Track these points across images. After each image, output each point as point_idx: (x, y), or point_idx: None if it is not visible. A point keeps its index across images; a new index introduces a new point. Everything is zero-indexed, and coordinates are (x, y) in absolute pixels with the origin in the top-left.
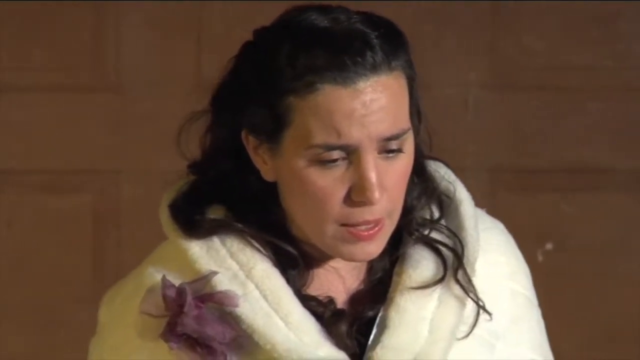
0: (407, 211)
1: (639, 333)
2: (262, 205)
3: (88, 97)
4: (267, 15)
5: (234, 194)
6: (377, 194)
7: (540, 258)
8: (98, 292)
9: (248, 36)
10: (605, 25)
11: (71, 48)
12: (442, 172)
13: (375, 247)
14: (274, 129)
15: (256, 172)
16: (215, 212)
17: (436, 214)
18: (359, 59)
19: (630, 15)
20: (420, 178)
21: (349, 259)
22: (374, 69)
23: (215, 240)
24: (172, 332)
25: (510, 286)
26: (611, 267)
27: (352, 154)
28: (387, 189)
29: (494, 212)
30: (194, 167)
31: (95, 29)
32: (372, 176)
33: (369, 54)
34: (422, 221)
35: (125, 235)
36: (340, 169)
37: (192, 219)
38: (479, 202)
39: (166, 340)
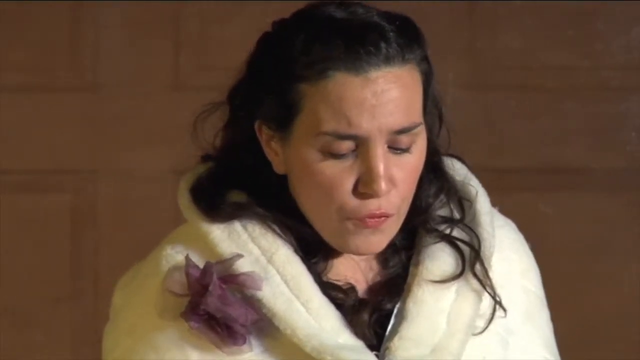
0: (423, 209)
1: (617, 332)
2: (279, 196)
3: (65, 97)
4: (244, 15)
5: (253, 182)
6: (383, 186)
7: None
8: (76, 291)
9: (225, 35)
10: (583, 25)
11: (48, 48)
12: (457, 168)
13: (379, 239)
14: (285, 116)
15: (271, 166)
16: (236, 197)
17: (457, 214)
18: (373, 50)
19: (607, 15)
20: (436, 176)
21: (355, 251)
22: (387, 60)
23: (237, 225)
24: (194, 311)
25: (522, 283)
26: (589, 267)
27: (361, 145)
28: (395, 184)
29: None
30: (209, 159)
31: (72, 28)
32: (380, 168)
33: (383, 45)
34: (441, 220)
35: (102, 234)
36: (348, 160)
37: (213, 203)
38: None
39: (187, 320)
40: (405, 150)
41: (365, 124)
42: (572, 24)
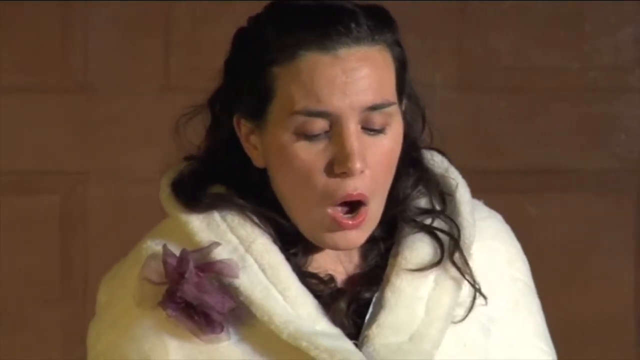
0: (401, 201)
1: (606, 333)
2: (261, 191)
3: (55, 98)
4: (234, 15)
5: (235, 179)
6: (358, 164)
7: None
8: (65, 292)
9: (216, 36)
10: (571, 26)
11: (38, 49)
12: (437, 161)
13: (358, 235)
14: (260, 104)
15: (253, 165)
16: (215, 189)
17: (437, 206)
18: (343, 30)
19: (596, 16)
20: (415, 169)
21: (332, 246)
22: (357, 40)
23: (216, 215)
24: (171, 299)
25: (508, 272)
26: (578, 268)
27: (334, 125)
28: (369, 165)
29: None
30: (192, 159)
31: (63, 29)
32: (354, 145)
33: (353, 26)
34: (421, 211)
35: (92, 236)
36: (322, 142)
37: (193, 195)
38: None
39: (164, 308)
40: (380, 131)
41: (336, 101)
42: (561, 25)
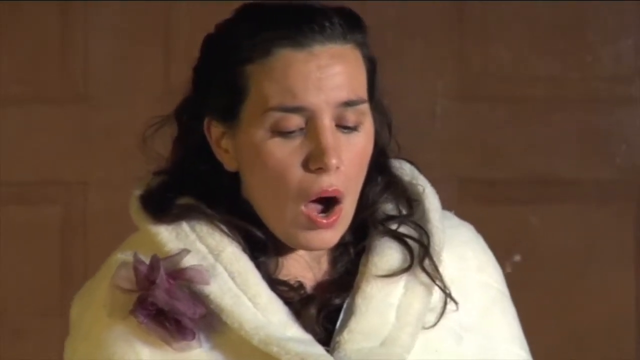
0: (370, 203)
1: (607, 342)
2: (232, 198)
3: (55, 108)
4: None
5: (204, 189)
6: (333, 160)
7: (508, 270)
8: (65, 303)
9: None
10: (572, 36)
11: (38, 59)
12: (405, 169)
13: (331, 235)
14: (233, 104)
15: (224, 172)
16: (183, 200)
17: (404, 211)
18: (316, 27)
19: (596, 26)
20: (383, 175)
21: (305, 246)
22: (330, 37)
23: (184, 225)
24: (143, 306)
25: (479, 279)
26: (579, 278)
27: (309, 121)
28: (343, 162)
29: None
30: (161, 173)
31: (62, 39)
32: (329, 140)
33: (326, 24)
34: (389, 217)
35: (92, 246)
36: (298, 139)
37: (161, 207)
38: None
39: (135, 315)
40: (353, 129)
41: (311, 97)
42: (562, 34)
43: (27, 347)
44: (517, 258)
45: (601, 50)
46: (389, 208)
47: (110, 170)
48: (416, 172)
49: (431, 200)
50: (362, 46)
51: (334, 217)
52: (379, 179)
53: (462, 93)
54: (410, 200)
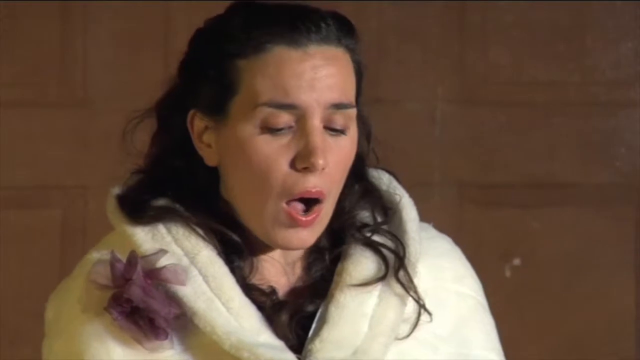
0: (347, 211)
1: (606, 347)
2: (209, 198)
3: (55, 113)
4: None
5: (180, 189)
6: (321, 160)
7: (507, 273)
8: None
9: None
10: (572, 41)
11: (37, 64)
12: (385, 180)
13: (309, 234)
14: (222, 98)
15: (203, 168)
16: (160, 202)
17: (379, 219)
18: (313, 28)
19: (596, 31)
20: (360, 184)
21: (283, 244)
22: (326, 39)
23: (160, 227)
24: (117, 302)
25: (456, 289)
26: (579, 281)
27: (299, 120)
28: (329, 164)
29: (461, 227)
30: (139, 172)
31: (62, 44)
32: (317, 141)
33: (323, 25)
34: (364, 225)
35: None
36: (286, 138)
37: (137, 207)
38: (445, 217)
39: (110, 311)
40: (341, 131)
41: (303, 96)
42: (561, 39)
43: (26, 351)
44: (517, 262)
45: (601, 55)
46: (365, 216)
47: (109, 174)
48: (394, 182)
49: (408, 210)
50: (354, 52)
51: (313, 216)
52: (357, 186)
53: (463, 98)
54: (386, 209)
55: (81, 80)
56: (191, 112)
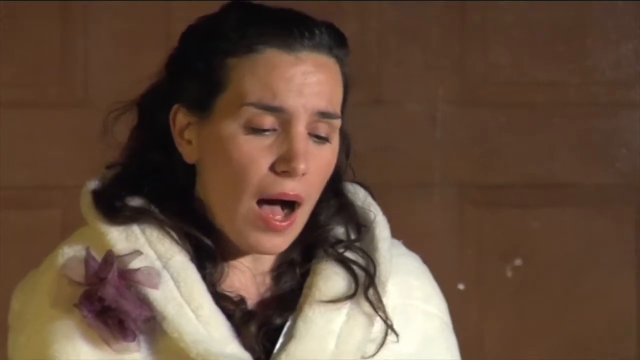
0: (321, 226)
1: (607, 346)
2: (183, 197)
3: (55, 113)
4: None
5: (156, 185)
6: (302, 165)
7: (509, 274)
8: None
9: None
10: (572, 41)
11: (38, 64)
12: (360, 195)
13: (282, 240)
14: (208, 94)
15: (181, 164)
16: (136, 202)
17: (352, 236)
18: (307, 34)
19: (596, 32)
20: (336, 199)
21: (255, 247)
22: (319, 46)
23: (135, 228)
24: (89, 300)
25: (423, 308)
26: (579, 282)
27: (284, 124)
28: (309, 170)
29: (462, 227)
30: (115, 165)
31: (62, 44)
32: (301, 146)
33: (316, 32)
34: (337, 240)
35: None
36: (270, 139)
37: (113, 206)
38: (446, 218)
39: (80, 308)
40: (324, 139)
41: (291, 100)
42: (562, 40)
43: None
44: (518, 262)
45: (601, 55)
46: (339, 232)
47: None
48: (369, 199)
49: (381, 229)
50: (343, 64)
51: (288, 222)
52: (333, 201)
53: (463, 98)
54: (360, 226)
55: (81, 80)
56: (175, 106)
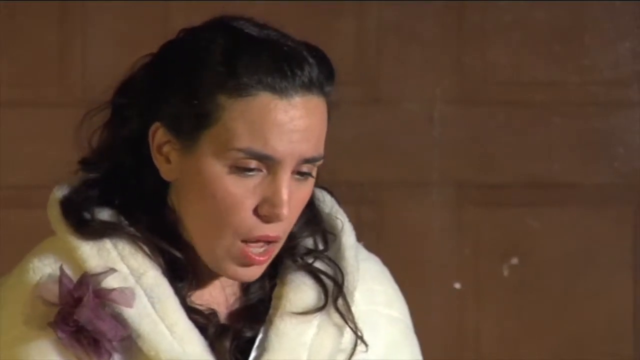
0: (291, 237)
1: (604, 346)
2: (153, 206)
3: (54, 113)
4: None
5: (126, 193)
6: (285, 212)
7: (505, 273)
8: None
9: None
10: (570, 41)
11: (36, 64)
12: (326, 200)
13: (259, 269)
14: (194, 125)
15: (153, 171)
16: (107, 215)
17: (320, 245)
18: (298, 71)
19: (594, 31)
20: (308, 208)
21: (232, 277)
22: (310, 85)
23: (107, 242)
24: (64, 321)
25: (387, 313)
26: (577, 281)
27: (270, 167)
28: (290, 211)
29: (460, 227)
30: (86, 163)
31: (61, 45)
32: (285, 193)
33: (307, 68)
34: (306, 250)
35: None
36: (255, 180)
37: (83, 219)
38: (444, 217)
39: (55, 329)
40: (305, 178)
41: (281, 148)
42: (560, 39)
43: None
44: (515, 261)
45: (599, 54)
46: (307, 242)
47: None
48: (336, 206)
49: (348, 236)
50: (329, 96)
51: (267, 255)
52: (304, 213)
53: (461, 98)
54: (326, 234)
55: (80, 80)
56: (156, 124)
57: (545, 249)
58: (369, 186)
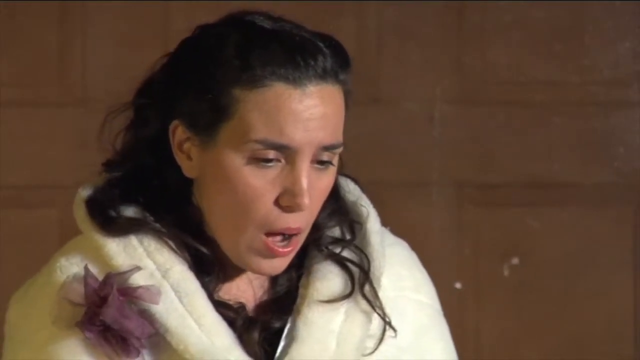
0: (317, 228)
1: (605, 345)
2: (177, 204)
3: (54, 112)
4: None
5: (150, 191)
6: (306, 201)
7: (506, 272)
8: None
9: None
10: (570, 41)
11: (36, 63)
12: (351, 189)
13: (283, 262)
14: (212, 120)
15: (176, 169)
16: (132, 212)
17: (347, 235)
18: (311, 62)
19: (594, 31)
20: (332, 198)
21: (256, 270)
22: (324, 74)
23: (133, 239)
24: (91, 321)
25: (415, 298)
26: (577, 281)
27: (288, 157)
28: (311, 200)
29: (460, 227)
30: (110, 164)
31: (61, 44)
32: (305, 182)
33: (320, 58)
34: (332, 240)
35: None
36: (274, 171)
37: (108, 216)
38: (444, 217)
39: (82, 329)
40: (326, 167)
41: (298, 137)
42: (560, 39)
43: None
44: (515, 261)
45: (599, 54)
46: (334, 232)
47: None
48: (360, 193)
49: (373, 222)
50: (346, 84)
51: (291, 247)
52: (328, 202)
53: (461, 97)
54: (353, 223)
55: (80, 80)
56: (175, 122)
57: (545, 249)
58: (369, 186)
